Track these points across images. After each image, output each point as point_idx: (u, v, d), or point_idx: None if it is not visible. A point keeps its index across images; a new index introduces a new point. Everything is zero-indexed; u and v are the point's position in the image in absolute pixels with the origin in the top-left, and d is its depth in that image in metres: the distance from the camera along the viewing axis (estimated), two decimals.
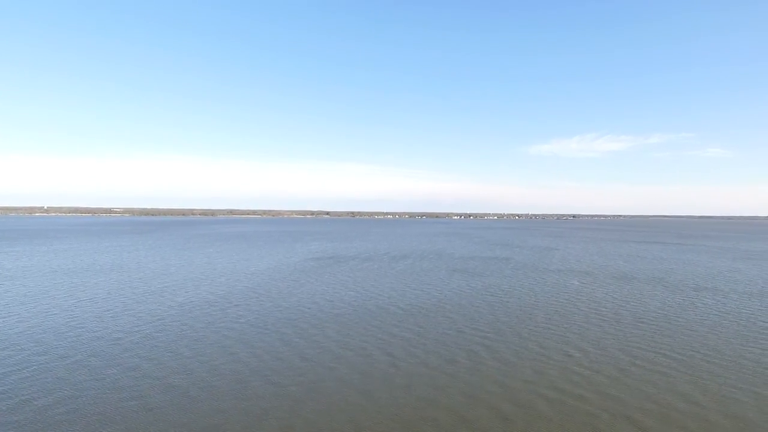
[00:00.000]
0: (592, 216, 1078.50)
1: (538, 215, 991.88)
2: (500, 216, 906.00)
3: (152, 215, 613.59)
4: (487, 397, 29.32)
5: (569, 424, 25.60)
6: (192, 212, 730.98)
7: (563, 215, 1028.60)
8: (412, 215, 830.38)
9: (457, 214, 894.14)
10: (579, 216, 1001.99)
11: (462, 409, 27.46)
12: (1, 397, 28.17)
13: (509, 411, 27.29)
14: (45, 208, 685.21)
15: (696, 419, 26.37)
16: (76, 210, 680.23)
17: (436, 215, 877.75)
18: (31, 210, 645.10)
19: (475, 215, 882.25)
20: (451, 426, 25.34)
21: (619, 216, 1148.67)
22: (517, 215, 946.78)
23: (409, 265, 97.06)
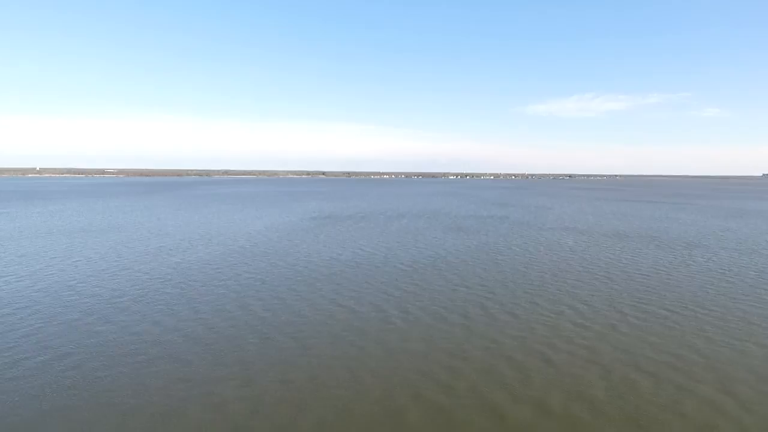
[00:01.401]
0: (589, 176, 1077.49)
1: (534, 175, 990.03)
2: (497, 176, 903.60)
3: (146, 176, 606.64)
4: (503, 349, 29.50)
5: (585, 374, 25.87)
6: (187, 173, 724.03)
7: (559, 175, 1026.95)
8: (408, 175, 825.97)
9: (453, 174, 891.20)
10: (575, 176, 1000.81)
11: (480, 359, 27.64)
12: None
13: (526, 362, 27.52)
14: (38, 169, 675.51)
15: (708, 370, 26.69)
16: (70, 171, 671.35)
17: (433, 175, 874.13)
18: (24, 171, 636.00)
19: (472, 175, 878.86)
20: (472, 376, 25.51)
21: (616, 176, 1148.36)
22: (514, 175, 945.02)
23: (409, 223, 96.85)
